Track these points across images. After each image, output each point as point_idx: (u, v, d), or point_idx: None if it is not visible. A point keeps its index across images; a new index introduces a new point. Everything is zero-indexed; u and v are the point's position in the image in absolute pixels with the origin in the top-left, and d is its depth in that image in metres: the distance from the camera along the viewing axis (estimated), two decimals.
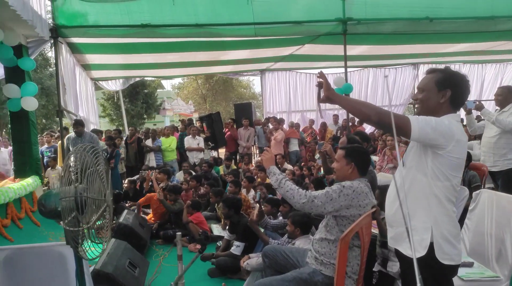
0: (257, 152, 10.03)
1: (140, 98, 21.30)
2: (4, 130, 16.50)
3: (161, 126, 14.59)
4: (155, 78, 15.01)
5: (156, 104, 23.39)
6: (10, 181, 5.39)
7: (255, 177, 6.17)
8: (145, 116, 22.05)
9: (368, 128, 9.98)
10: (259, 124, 9.90)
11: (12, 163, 6.70)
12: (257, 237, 3.65)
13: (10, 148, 7.41)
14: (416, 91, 1.90)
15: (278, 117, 9.88)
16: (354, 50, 7.96)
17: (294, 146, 9.01)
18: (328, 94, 1.82)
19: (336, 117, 9.87)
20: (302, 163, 7.80)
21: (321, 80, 1.90)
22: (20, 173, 5.60)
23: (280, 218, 3.94)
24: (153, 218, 5.47)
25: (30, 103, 5.47)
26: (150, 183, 6.10)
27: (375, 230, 2.81)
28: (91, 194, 1.80)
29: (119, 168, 7.60)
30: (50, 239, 4.66)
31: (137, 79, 11.51)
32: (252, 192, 5.60)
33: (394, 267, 2.63)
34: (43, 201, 1.81)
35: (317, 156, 8.13)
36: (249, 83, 30.88)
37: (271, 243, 3.29)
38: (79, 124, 6.24)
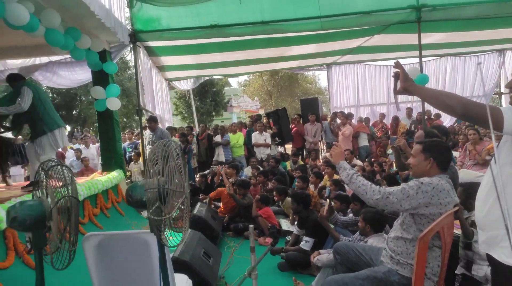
0: (324, 148, 9.87)
1: (209, 96, 22.20)
2: (92, 128, 18.31)
3: (228, 122, 15.05)
4: (223, 76, 15.51)
5: (223, 102, 24.18)
6: (98, 175, 5.98)
7: (323, 172, 6.09)
8: (213, 113, 22.93)
9: (446, 121, 9.28)
10: (325, 119, 9.72)
11: (100, 158, 7.44)
12: (326, 233, 3.61)
13: (98, 144, 8.21)
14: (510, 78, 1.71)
15: (346, 112, 9.61)
16: (429, 38, 7.44)
17: (364, 141, 8.69)
18: (405, 85, 1.73)
19: (409, 110, 9.31)
20: (373, 159, 7.50)
21: (397, 70, 1.81)
22: (107, 167, 6.19)
23: (351, 215, 3.85)
24: (223, 211, 5.69)
25: (114, 104, 6.02)
26: (220, 178, 6.34)
27: (458, 231, 2.61)
28: (171, 186, 1.92)
29: (191, 163, 8.01)
30: (133, 227, 5.10)
31: (206, 78, 12.02)
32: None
33: (480, 270, 2.43)
34: (130, 192, 1.96)
35: (389, 151, 7.75)
36: (314, 78, 30.45)
37: (341, 240, 3.23)
38: (152, 120, 6.64)
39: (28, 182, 5.14)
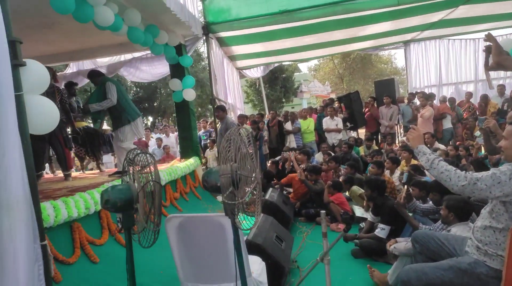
0: (401, 132, 9.30)
1: (278, 83, 22.23)
2: (170, 118, 19.57)
3: (298, 108, 14.94)
4: (293, 62, 15.37)
5: (293, 88, 24.02)
6: (177, 161, 6.41)
7: (399, 158, 5.76)
8: (283, 100, 22.93)
9: None
10: (402, 101, 9.12)
11: (178, 146, 7.96)
12: (404, 221, 3.43)
13: (176, 133, 8.77)
14: None
15: (426, 92, 8.91)
16: None
17: (447, 123, 7.99)
18: (499, 59, 1.55)
19: (501, 88, 8.29)
20: (458, 142, 6.88)
21: (489, 43, 1.62)
22: (184, 154, 6.60)
23: (431, 202, 3.60)
24: (294, 198, 5.71)
25: (190, 94, 6.35)
26: (291, 164, 6.36)
27: None
28: (244, 172, 1.98)
29: (263, 149, 8.15)
30: (209, 211, 5.40)
31: (276, 64, 12.02)
32: (396, 173, 5.26)
33: None
34: (206, 177, 2.07)
35: (477, 133, 7.02)
36: (390, 57, 28.64)
37: (421, 229, 3.05)
38: (219, 109, 6.61)
39: (115, 169, 5.68)
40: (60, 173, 5.84)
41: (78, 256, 2.91)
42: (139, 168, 2.20)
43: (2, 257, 1.87)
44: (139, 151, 2.24)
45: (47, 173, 6.57)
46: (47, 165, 6.15)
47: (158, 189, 2.16)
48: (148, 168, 2.18)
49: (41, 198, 2.44)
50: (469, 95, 8.75)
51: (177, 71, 6.38)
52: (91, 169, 7.45)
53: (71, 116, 5.15)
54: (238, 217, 2.10)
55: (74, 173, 5.90)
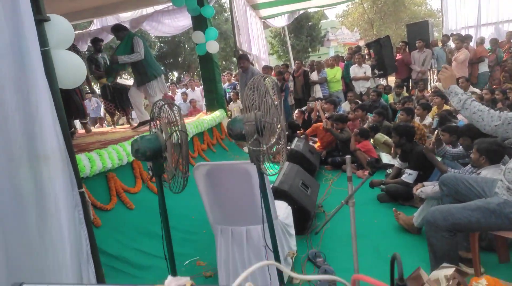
0: (434, 77, 8.87)
1: (304, 32, 21.38)
2: (195, 73, 19.56)
3: (325, 58, 14.45)
4: (319, 8, 14.57)
5: (320, 36, 23.07)
6: (203, 114, 6.49)
7: (431, 104, 5.55)
8: (309, 49, 22.17)
9: None
10: (436, 45, 8.59)
11: (204, 99, 8.01)
12: (432, 167, 3.39)
13: (201, 87, 8.80)
14: None
15: (463, 34, 8.32)
16: None
17: (484, 67, 7.53)
18: None
19: None
20: (494, 86, 6.52)
21: None
22: (210, 107, 6.66)
23: (461, 147, 3.50)
24: (320, 147, 5.71)
25: (213, 46, 6.26)
26: (317, 114, 6.29)
27: None
28: (268, 119, 1.99)
29: (288, 100, 8.07)
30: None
31: (301, 12, 11.48)
32: (427, 120, 5.11)
33: None
34: (231, 126, 2.10)
35: None
36: None
37: (449, 173, 3.00)
38: (243, 58, 6.28)
39: (137, 124, 5.72)
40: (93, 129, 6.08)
41: (115, 203, 3.11)
42: (166, 119, 2.25)
43: (45, 204, 2.03)
44: (165, 102, 2.28)
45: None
46: (78, 123, 6.38)
47: (184, 138, 2.21)
48: (174, 118, 2.23)
49: (76, 152, 2.57)
50: (510, 35, 8.10)
51: (200, 23, 6.25)
52: (122, 124, 7.70)
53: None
54: (264, 163, 2.14)
55: (105, 128, 6.13)
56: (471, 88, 6.27)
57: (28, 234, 1.94)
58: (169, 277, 0.60)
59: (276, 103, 2.11)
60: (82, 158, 2.84)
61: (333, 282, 2.46)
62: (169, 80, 17.71)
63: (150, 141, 2.18)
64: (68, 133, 2.17)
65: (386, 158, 4.70)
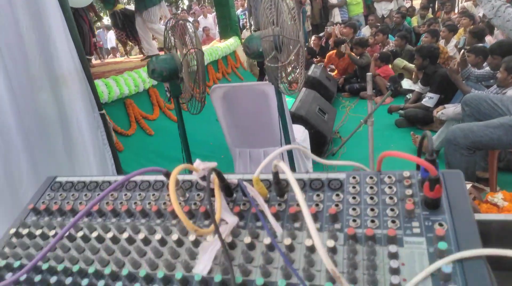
0: None
1: None
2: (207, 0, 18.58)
3: None
4: None
5: None
6: (217, 42, 6.28)
7: (458, 25, 5.21)
8: None
9: None
10: None
11: (217, 27, 7.70)
12: (454, 90, 3.27)
13: (214, 14, 8.40)
14: None
15: None
16: None
17: None
18: None
19: None
20: None
21: None
22: (224, 34, 6.42)
23: (487, 68, 3.34)
24: (337, 74, 5.55)
25: None
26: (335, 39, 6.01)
27: None
28: (286, 34, 1.90)
29: (305, 26, 7.68)
30: None
31: None
32: (452, 42, 4.83)
33: None
34: (247, 43, 2.02)
35: None
36: None
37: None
38: None
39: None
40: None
41: (135, 129, 3.18)
42: (180, 37, 2.18)
43: (69, 127, 2.08)
44: (177, 19, 2.19)
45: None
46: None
47: (200, 57, 2.16)
48: (188, 37, 2.16)
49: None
50: None
51: None
52: (135, 55, 7.59)
53: None
54: (281, 83, 2.10)
55: (119, 59, 6.05)
56: None
57: (57, 158, 2.01)
58: (197, 160, 0.61)
59: (295, 17, 2.01)
60: (99, 84, 2.84)
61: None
62: (179, 8, 16.94)
63: (166, 61, 2.15)
64: (83, 53, 2.14)
65: (406, 83, 4.56)
